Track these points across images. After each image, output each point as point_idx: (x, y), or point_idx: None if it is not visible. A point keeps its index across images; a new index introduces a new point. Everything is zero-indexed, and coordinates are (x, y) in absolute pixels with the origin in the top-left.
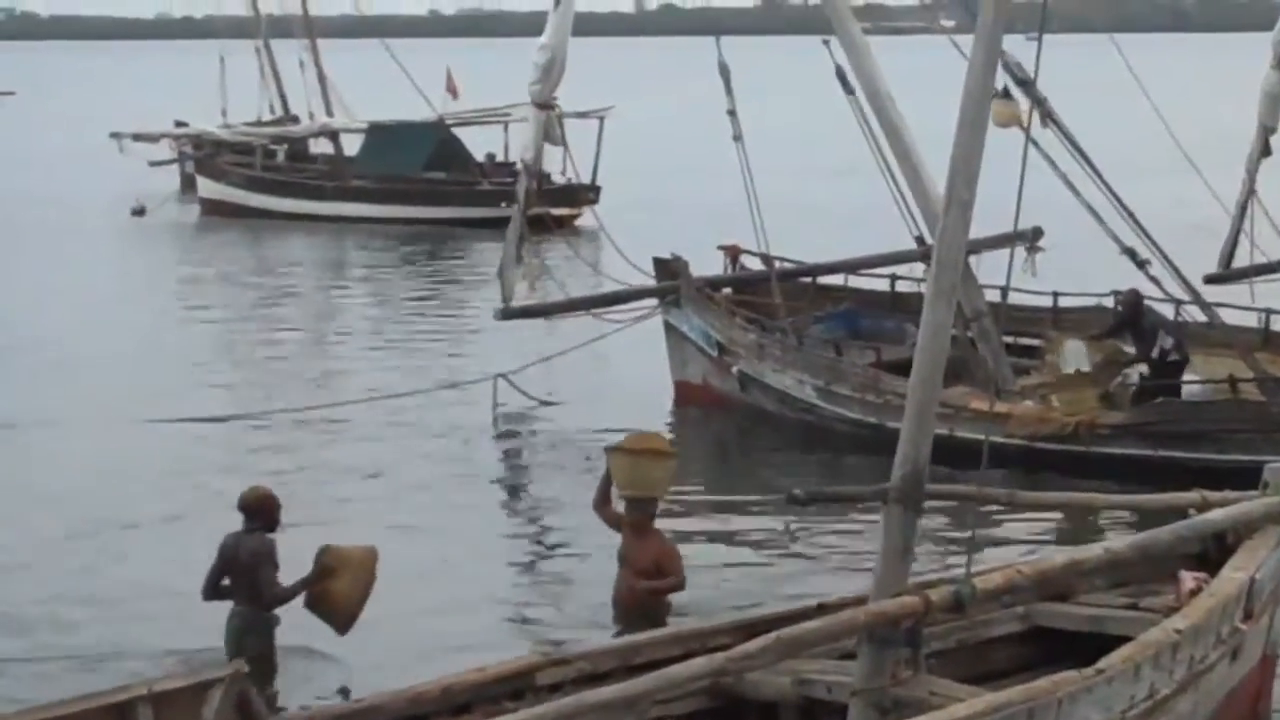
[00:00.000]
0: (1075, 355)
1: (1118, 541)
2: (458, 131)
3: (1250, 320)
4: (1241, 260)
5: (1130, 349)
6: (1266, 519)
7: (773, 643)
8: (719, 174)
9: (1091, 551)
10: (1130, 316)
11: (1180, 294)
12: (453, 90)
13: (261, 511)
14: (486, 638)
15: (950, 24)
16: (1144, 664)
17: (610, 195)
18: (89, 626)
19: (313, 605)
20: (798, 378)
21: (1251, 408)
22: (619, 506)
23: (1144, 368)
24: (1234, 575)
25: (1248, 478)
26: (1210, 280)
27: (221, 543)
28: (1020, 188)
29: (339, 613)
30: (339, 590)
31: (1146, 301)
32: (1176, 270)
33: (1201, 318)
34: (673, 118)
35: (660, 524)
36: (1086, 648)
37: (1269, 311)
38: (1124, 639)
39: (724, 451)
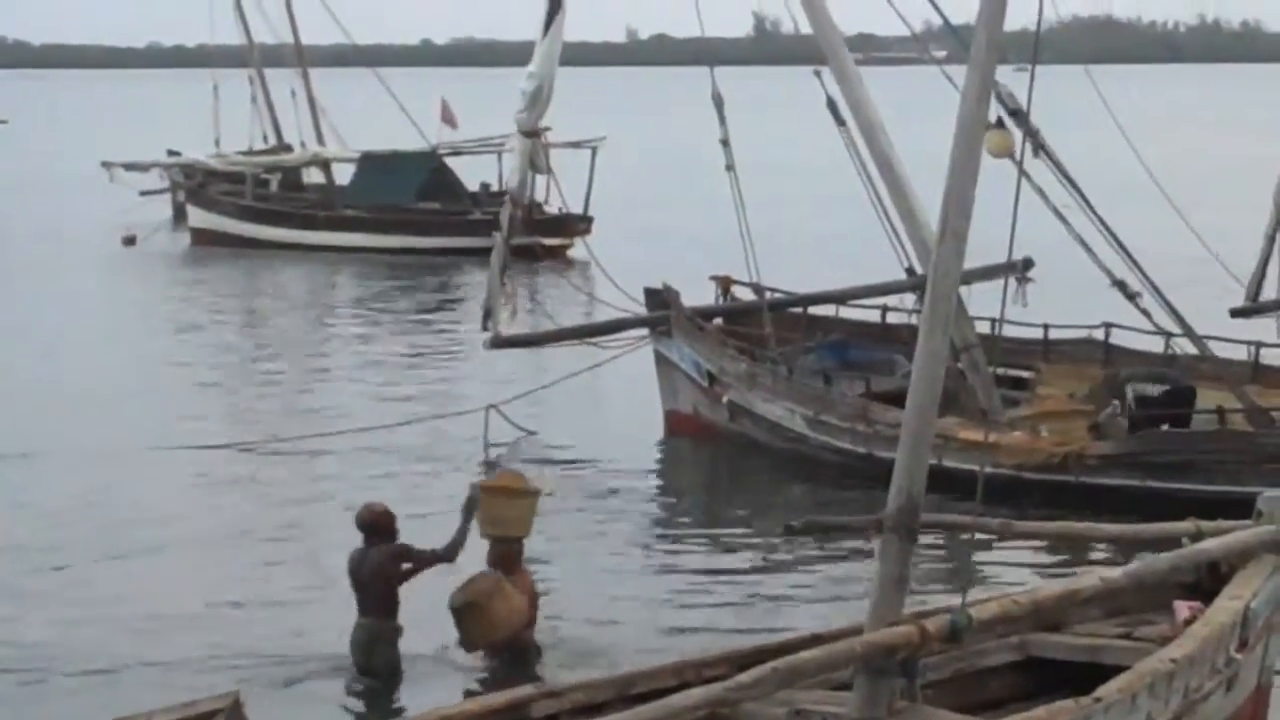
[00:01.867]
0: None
1: (1113, 571)
2: (451, 161)
3: (1240, 353)
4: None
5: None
6: (1260, 548)
7: (769, 673)
8: (711, 204)
9: (1087, 581)
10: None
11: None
12: (450, 120)
13: (379, 528)
14: (468, 671)
15: (942, 54)
16: (1140, 693)
17: (602, 225)
18: (82, 654)
19: (462, 612)
20: (787, 407)
21: (1239, 439)
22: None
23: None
24: (1229, 605)
25: (1236, 508)
26: (1237, 314)
27: (349, 559)
28: (1014, 218)
29: (483, 632)
30: (497, 612)
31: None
32: (1167, 302)
33: (1193, 350)
34: (666, 148)
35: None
36: (1081, 678)
37: (1259, 345)
38: (1119, 669)
39: (714, 481)
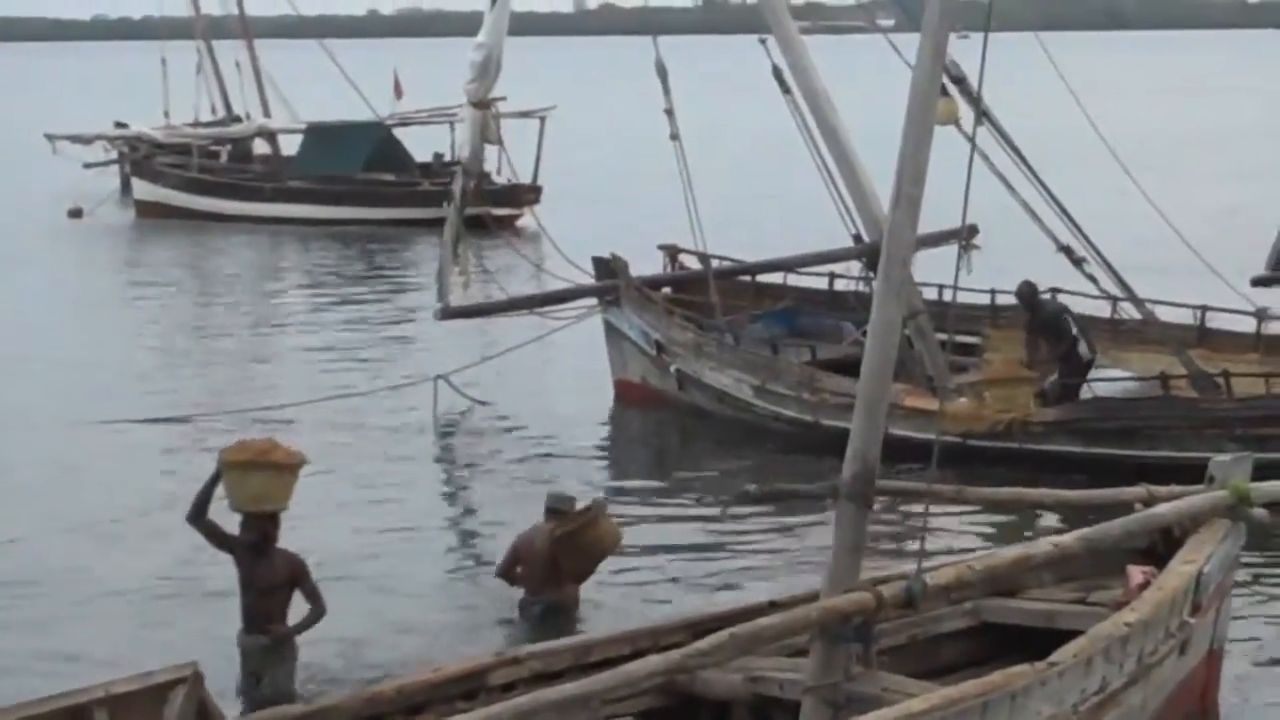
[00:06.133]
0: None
1: (1066, 536)
2: (403, 131)
3: (1186, 317)
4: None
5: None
6: (1213, 513)
7: (727, 640)
8: (659, 173)
9: (1040, 546)
10: (1031, 313)
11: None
12: (398, 90)
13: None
14: (429, 639)
15: (888, 23)
16: (1095, 657)
17: (551, 195)
18: (36, 627)
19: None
20: (735, 376)
21: (1183, 404)
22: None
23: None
24: (1182, 569)
25: (1179, 474)
26: (1258, 282)
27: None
28: (967, 185)
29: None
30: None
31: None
32: (1111, 267)
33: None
34: (614, 117)
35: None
36: (1035, 643)
37: (1204, 309)
38: (1073, 633)
39: (663, 450)
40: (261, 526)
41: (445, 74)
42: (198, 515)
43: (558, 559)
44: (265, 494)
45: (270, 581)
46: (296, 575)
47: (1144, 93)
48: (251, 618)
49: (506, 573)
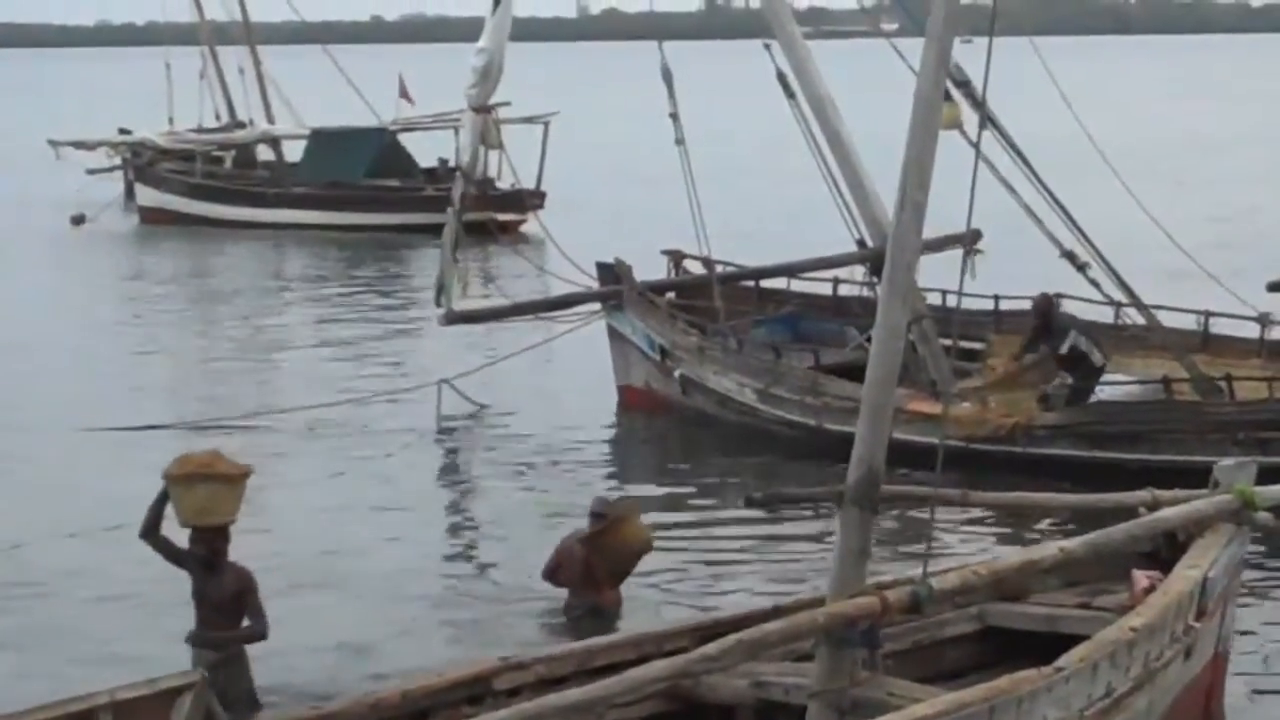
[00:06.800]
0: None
1: (1071, 541)
2: (407, 137)
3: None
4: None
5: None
6: (1217, 517)
7: (733, 645)
8: (664, 178)
9: (1046, 551)
10: (1041, 321)
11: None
12: (407, 96)
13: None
14: (433, 644)
15: (892, 28)
16: (1101, 662)
17: (555, 200)
18: (42, 632)
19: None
20: (738, 381)
21: (1186, 408)
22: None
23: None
24: (1187, 573)
25: (1183, 478)
26: (1274, 288)
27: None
28: (972, 190)
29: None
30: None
31: (1060, 305)
32: (1115, 272)
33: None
34: (618, 122)
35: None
36: (1040, 647)
37: (1208, 314)
38: (1078, 638)
39: (667, 454)
40: (209, 540)
41: (449, 79)
42: (149, 532)
43: (590, 561)
44: (211, 507)
45: (221, 596)
46: (243, 590)
47: (1149, 98)
48: (204, 632)
49: (550, 576)
